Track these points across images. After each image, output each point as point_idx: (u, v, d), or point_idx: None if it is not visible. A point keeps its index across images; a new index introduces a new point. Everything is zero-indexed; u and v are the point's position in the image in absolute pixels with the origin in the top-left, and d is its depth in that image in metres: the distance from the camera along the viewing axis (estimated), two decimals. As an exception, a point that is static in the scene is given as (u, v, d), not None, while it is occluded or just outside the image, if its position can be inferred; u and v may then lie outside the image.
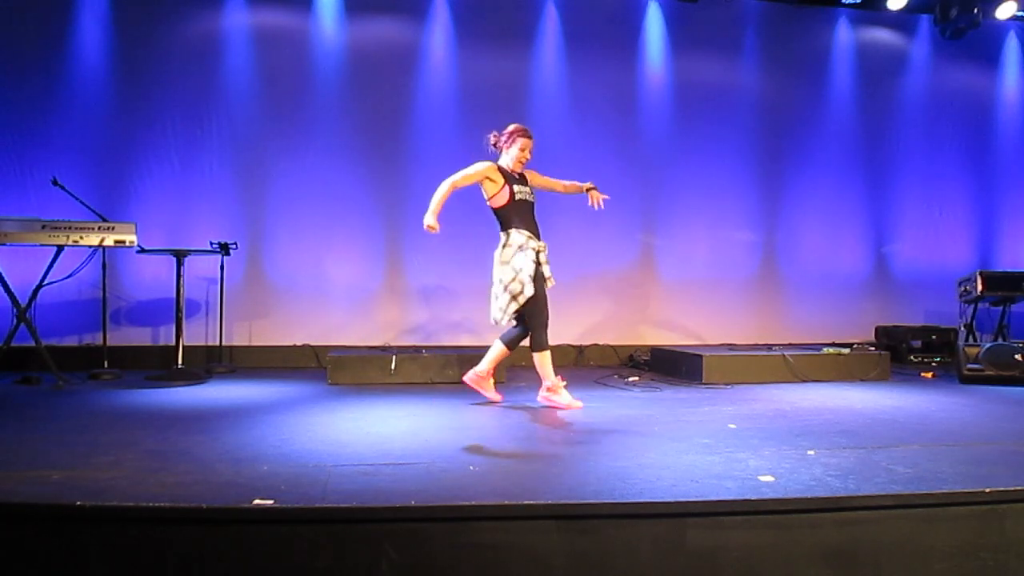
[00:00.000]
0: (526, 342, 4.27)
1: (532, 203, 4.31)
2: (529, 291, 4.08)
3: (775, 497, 2.33)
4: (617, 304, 6.95)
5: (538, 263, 4.16)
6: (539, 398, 4.30)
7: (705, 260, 7.12)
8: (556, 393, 4.24)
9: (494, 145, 4.36)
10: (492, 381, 4.40)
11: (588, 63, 6.93)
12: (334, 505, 2.20)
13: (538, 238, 4.26)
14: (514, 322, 4.24)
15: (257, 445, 3.12)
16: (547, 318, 4.20)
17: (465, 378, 4.43)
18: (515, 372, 5.60)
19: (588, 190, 4.51)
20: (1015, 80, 7.79)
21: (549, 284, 4.25)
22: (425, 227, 4.11)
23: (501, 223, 4.27)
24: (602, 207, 4.46)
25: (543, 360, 4.21)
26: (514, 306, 4.11)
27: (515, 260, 4.12)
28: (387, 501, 2.26)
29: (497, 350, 4.32)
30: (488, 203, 4.29)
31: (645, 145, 7.05)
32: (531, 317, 4.17)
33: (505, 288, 4.12)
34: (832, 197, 7.40)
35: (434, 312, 6.57)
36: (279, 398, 4.54)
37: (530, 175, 4.41)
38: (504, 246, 4.21)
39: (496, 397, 4.38)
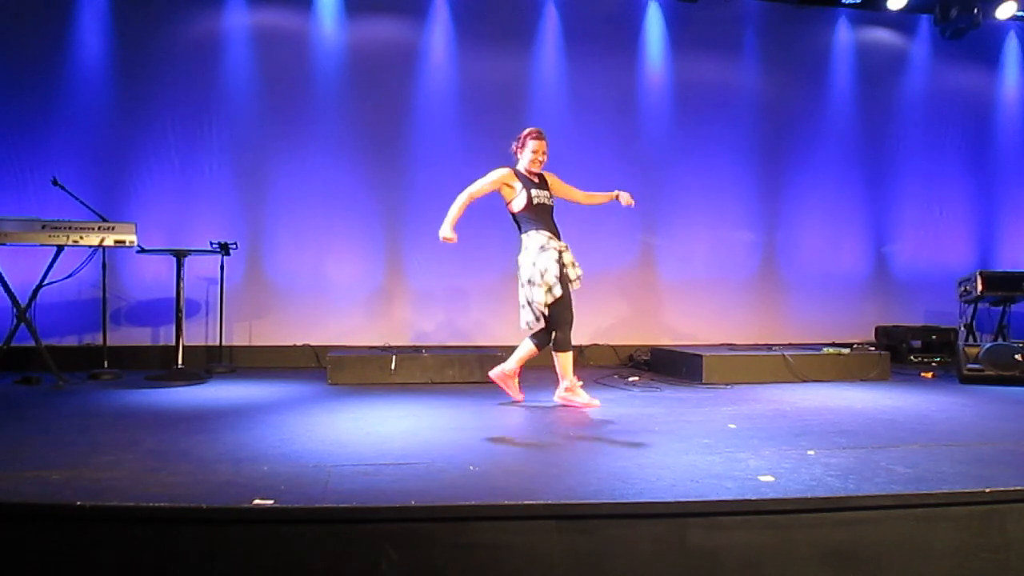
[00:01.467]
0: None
1: (551, 206, 4.38)
2: (558, 291, 4.12)
3: (775, 497, 2.33)
4: (617, 304, 6.94)
5: (561, 263, 4.19)
6: (556, 397, 4.34)
7: (705, 260, 7.12)
8: (575, 393, 4.29)
9: (514, 152, 4.43)
10: (517, 380, 4.43)
11: (588, 63, 6.92)
12: (334, 505, 2.20)
13: (558, 239, 4.29)
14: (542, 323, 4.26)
15: (257, 445, 3.12)
16: (572, 318, 4.24)
17: (491, 374, 4.46)
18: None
19: (616, 197, 4.60)
20: (1015, 80, 7.78)
21: (574, 285, 4.28)
22: (441, 239, 4.22)
23: (520, 227, 4.34)
24: (632, 204, 4.60)
25: (565, 360, 4.27)
26: (540, 305, 4.13)
27: (539, 260, 4.15)
28: (387, 501, 2.26)
29: (526, 349, 4.35)
30: (508, 208, 4.36)
31: (645, 145, 7.05)
32: (556, 316, 4.20)
33: (532, 290, 4.16)
34: (832, 197, 7.40)
35: (434, 312, 6.57)
36: (279, 398, 4.54)
37: (551, 179, 4.47)
38: (526, 249, 4.25)
39: (519, 396, 4.42)
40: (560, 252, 4.21)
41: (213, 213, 6.27)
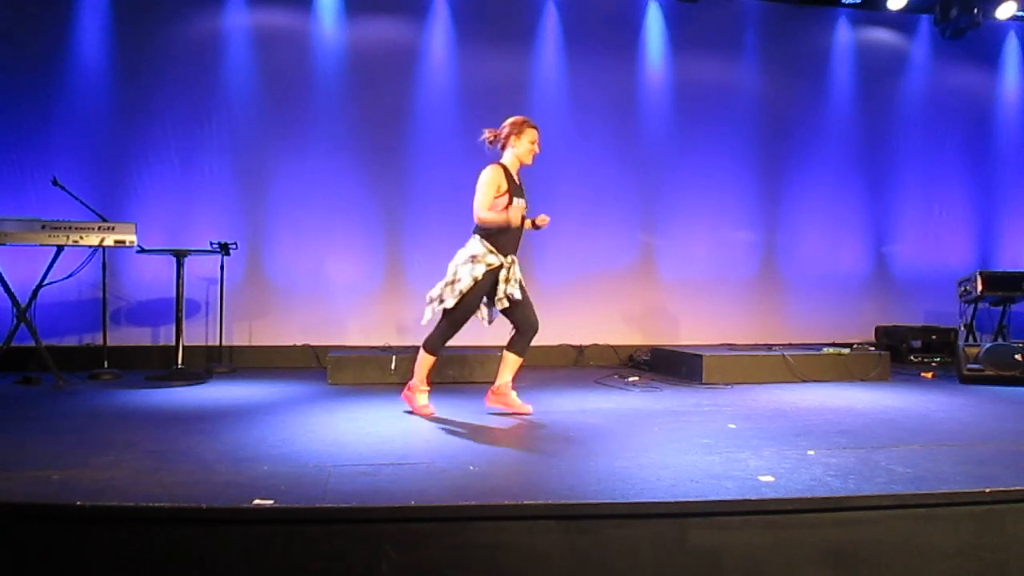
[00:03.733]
0: (539, 342, 4.13)
1: (524, 216, 3.98)
2: (449, 303, 3.83)
3: (775, 497, 2.33)
4: (617, 304, 6.94)
5: (481, 280, 3.83)
6: (403, 394, 4.11)
7: (705, 260, 7.12)
8: (414, 393, 4.02)
9: (491, 142, 4.02)
10: (515, 394, 4.06)
11: (588, 63, 6.92)
12: (334, 505, 2.20)
13: (510, 253, 3.94)
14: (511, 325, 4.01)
15: (257, 445, 3.12)
16: (454, 333, 3.96)
17: (488, 404, 4.07)
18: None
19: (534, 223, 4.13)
20: (1015, 80, 7.78)
21: (499, 304, 3.93)
22: (542, 223, 4.01)
23: (476, 225, 3.94)
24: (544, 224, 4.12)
25: (424, 360, 3.98)
26: (430, 310, 3.90)
27: (460, 269, 3.85)
28: (387, 501, 2.26)
29: (510, 360, 4.03)
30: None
31: (645, 145, 7.05)
32: (443, 323, 3.93)
33: (442, 288, 3.88)
34: (832, 197, 7.40)
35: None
36: (279, 398, 4.54)
37: None
38: (464, 248, 3.92)
39: (527, 409, 4.01)
40: (496, 268, 3.87)
41: (213, 213, 6.27)
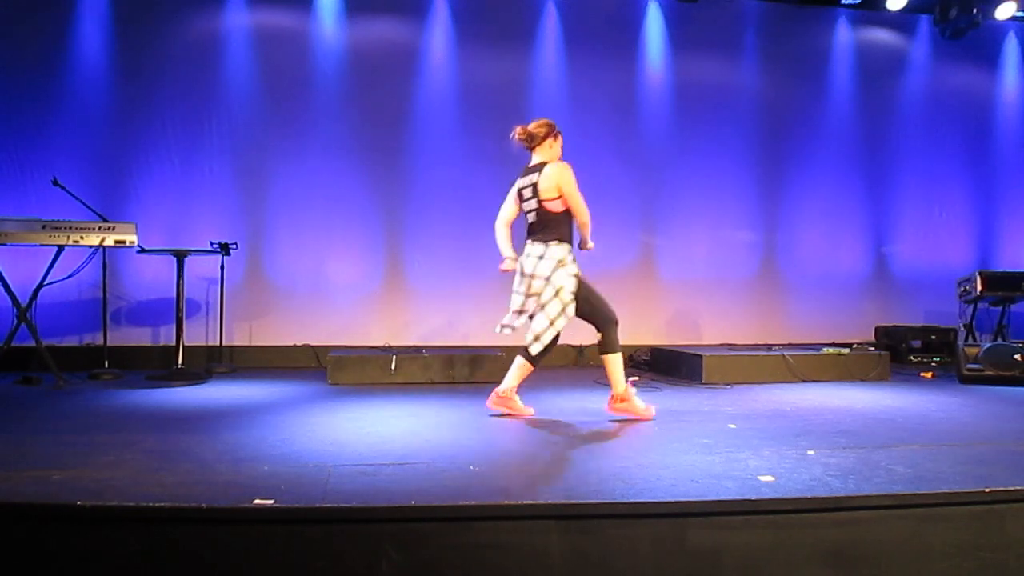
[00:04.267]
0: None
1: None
2: (571, 310, 3.81)
3: (775, 497, 2.33)
4: (617, 304, 6.85)
5: (579, 276, 3.87)
6: (609, 408, 3.90)
7: (705, 260, 7.12)
8: (630, 400, 3.87)
9: (521, 138, 3.92)
10: (518, 398, 4.01)
11: (588, 63, 6.92)
12: (334, 505, 2.21)
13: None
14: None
15: (257, 445, 3.12)
16: (608, 313, 3.88)
17: (489, 404, 3.98)
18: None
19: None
20: (1015, 80, 7.79)
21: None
22: (590, 248, 4.02)
23: (544, 230, 3.85)
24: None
25: (614, 362, 3.86)
26: (551, 332, 3.82)
27: (555, 277, 3.78)
28: (387, 501, 2.26)
29: (521, 366, 3.95)
30: (547, 204, 3.83)
31: (645, 145, 7.05)
32: (594, 321, 3.89)
33: (543, 308, 3.80)
34: (832, 197, 7.40)
35: (434, 312, 6.57)
36: (279, 398, 4.54)
37: None
38: (540, 258, 3.81)
39: (529, 411, 3.99)
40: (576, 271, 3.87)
41: (213, 213, 6.27)
